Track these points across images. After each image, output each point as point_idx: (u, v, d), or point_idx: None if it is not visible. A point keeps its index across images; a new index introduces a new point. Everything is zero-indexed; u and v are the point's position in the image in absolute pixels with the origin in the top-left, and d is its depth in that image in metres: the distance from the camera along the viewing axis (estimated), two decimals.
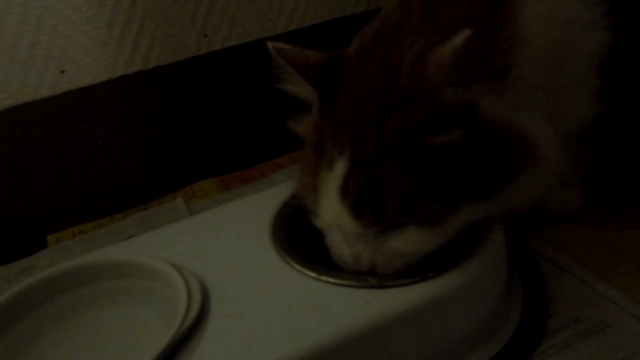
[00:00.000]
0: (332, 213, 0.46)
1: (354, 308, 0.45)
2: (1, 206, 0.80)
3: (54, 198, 0.83)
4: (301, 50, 0.48)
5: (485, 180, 0.44)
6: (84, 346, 0.50)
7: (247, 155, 0.90)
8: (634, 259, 0.58)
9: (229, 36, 0.87)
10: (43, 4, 0.75)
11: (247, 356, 0.43)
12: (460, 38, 0.39)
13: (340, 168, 0.44)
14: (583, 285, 0.56)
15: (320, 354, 0.42)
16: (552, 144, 0.47)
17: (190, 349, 0.43)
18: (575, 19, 0.51)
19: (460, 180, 0.43)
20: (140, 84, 0.83)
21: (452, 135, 0.42)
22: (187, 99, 0.87)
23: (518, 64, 0.47)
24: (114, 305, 0.52)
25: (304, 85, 0.48)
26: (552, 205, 0.63)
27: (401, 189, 0.42)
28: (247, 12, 0.87)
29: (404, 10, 0.48)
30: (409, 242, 0.45)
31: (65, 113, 0.81)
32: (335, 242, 0.48)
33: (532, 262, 0.59)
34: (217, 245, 0.55)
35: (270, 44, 0.48)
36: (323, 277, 0.48)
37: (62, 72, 0.79)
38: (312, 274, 0.48)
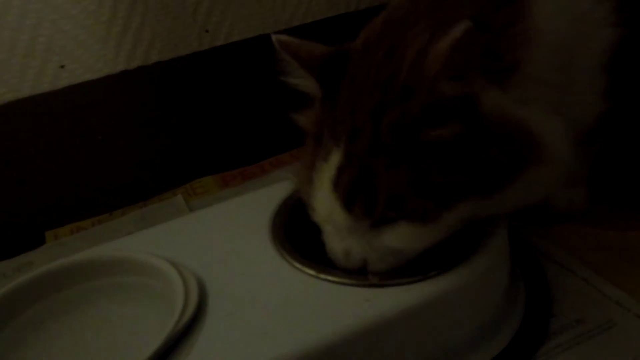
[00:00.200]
0: (325, 205, 0.46)
1: (354, 307, 0.44)
2: None
3: (53, 194, 0.82)
4: (305, 43, 0.48)
5: (484, 177, 0.44)
6: (80, 343, 0.49)
7: (248, 152, 0.89)
8: (639, 260, 0.58)
9: (231, 32, 0.87)
10: None
11: (244, 355, 0.42)
12: (458, 30, 0.39)
13: (334, 160, 0.44)
14: (587, 285, 0.55)
15: (319, 353, 0.42)
16: (561, 141, 0.46)
17: (187, 347, 0.43)
18: (586, 16, 0.50)
19: (457, 177, 0.43)
20: (141, 79, 0.83)
21: (450, 129, 0.42)
22: (188, 95, 0.87)
23: (529, 61, 0.47)
24: (111, 303, 0.52)
25: (307, 79, 0.48)
26: (556, 204, 0.63)
27: (394, 183, 0.42)
28: (249, 8, 0.87)
29: (411, 4, 0.47)
30: (401, 238, 0.44)
31: (64, 108, 0.80)
32: (328, 237, 0.48)
33: (535, 261, 0.58)
34: (216, 243, 0.54)
35: (274, 37, 0.48)
36: (322, 276, 0.47)
37: (62, 67, 0.78)
38: (312, 272, 0.48)
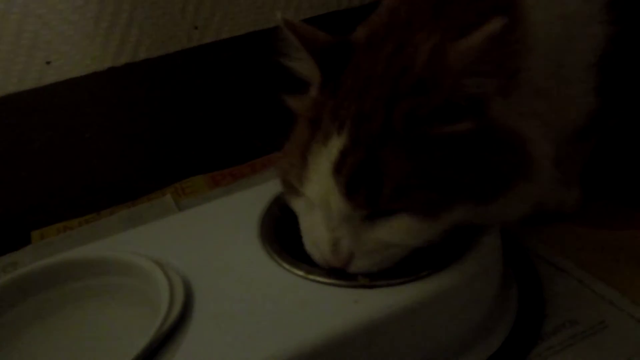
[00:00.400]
0: (320, 189, 0.44)
1: (343, 308, 0.43)
2: None
3: (39, 193, 0.81)
4: (310, 27, 0.48)
5: (484, 182, 0.44)
6: (64, 344, 0.49)
7: (238, 151, 0.89)
8: (632, 259, 0.58)
9: (221, 29, 0.86)
10: None
11: (231, 357, 0.41)
12: (495, 25, 0.39)
13: (336, 144, 0.44)
14: (580, 286, 0.55)
15: (307, 354, 0.41)
16: (549, 167, 0.47)
17: (172, 348, 0.42)
18: (576, 14, 0.50)
19: (459, 175, 0.43)
20: (129, 76, 0.82)
21: (461, 126, 0.42)
22: (177, 92, 0.86)
23: (526, 69, 0.47)
24: (96, 303, 0.52)
25: (307, 62, 0.48)
26: (549, 204, 0.63)
27: (401, 173, 0.42)
28: (239, 5, 0.86)
29: (411, 6, 0.48)
30: (397, 232, 0.44)
31: (50, 105, 0.79)
32: (314, 226, 0.46)
33: (527, 261, 0.58)
34: (204, 243, 0.54)
35: (279, 14, 0.47)
36: (311, 276, 0.47)
37: (48, 63, 0.77)
38: (300, 273, 0.47)
